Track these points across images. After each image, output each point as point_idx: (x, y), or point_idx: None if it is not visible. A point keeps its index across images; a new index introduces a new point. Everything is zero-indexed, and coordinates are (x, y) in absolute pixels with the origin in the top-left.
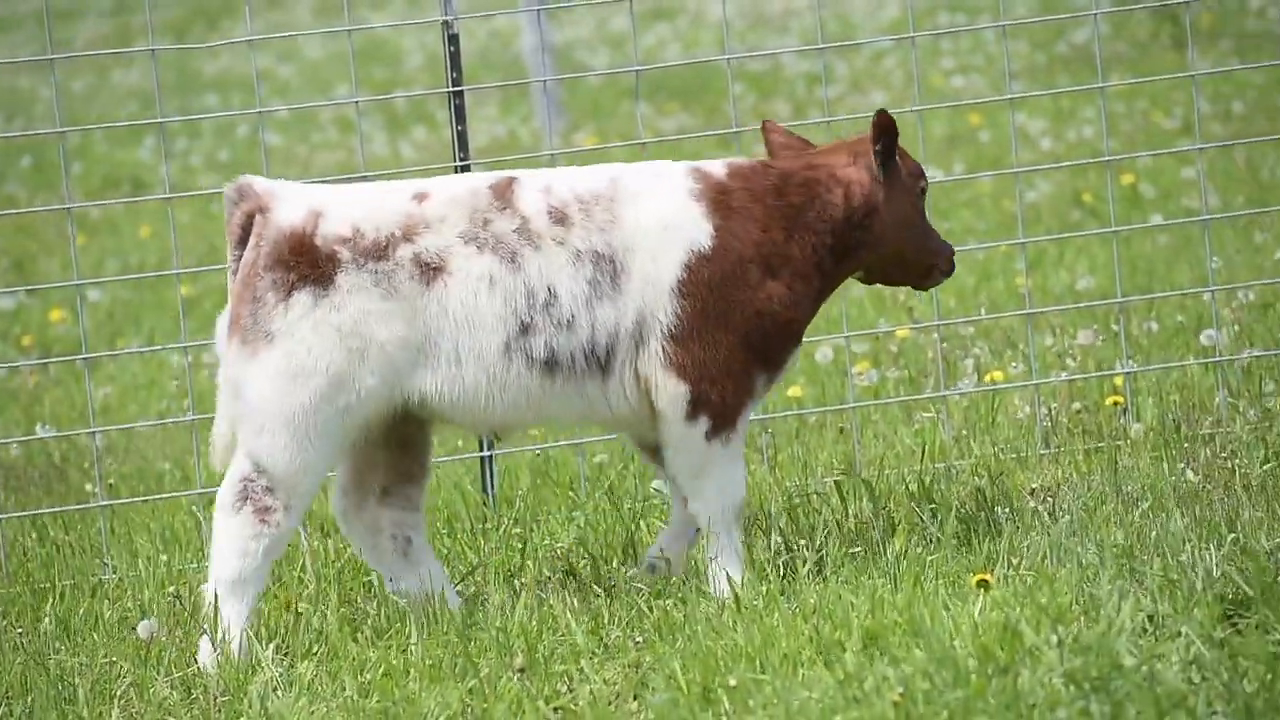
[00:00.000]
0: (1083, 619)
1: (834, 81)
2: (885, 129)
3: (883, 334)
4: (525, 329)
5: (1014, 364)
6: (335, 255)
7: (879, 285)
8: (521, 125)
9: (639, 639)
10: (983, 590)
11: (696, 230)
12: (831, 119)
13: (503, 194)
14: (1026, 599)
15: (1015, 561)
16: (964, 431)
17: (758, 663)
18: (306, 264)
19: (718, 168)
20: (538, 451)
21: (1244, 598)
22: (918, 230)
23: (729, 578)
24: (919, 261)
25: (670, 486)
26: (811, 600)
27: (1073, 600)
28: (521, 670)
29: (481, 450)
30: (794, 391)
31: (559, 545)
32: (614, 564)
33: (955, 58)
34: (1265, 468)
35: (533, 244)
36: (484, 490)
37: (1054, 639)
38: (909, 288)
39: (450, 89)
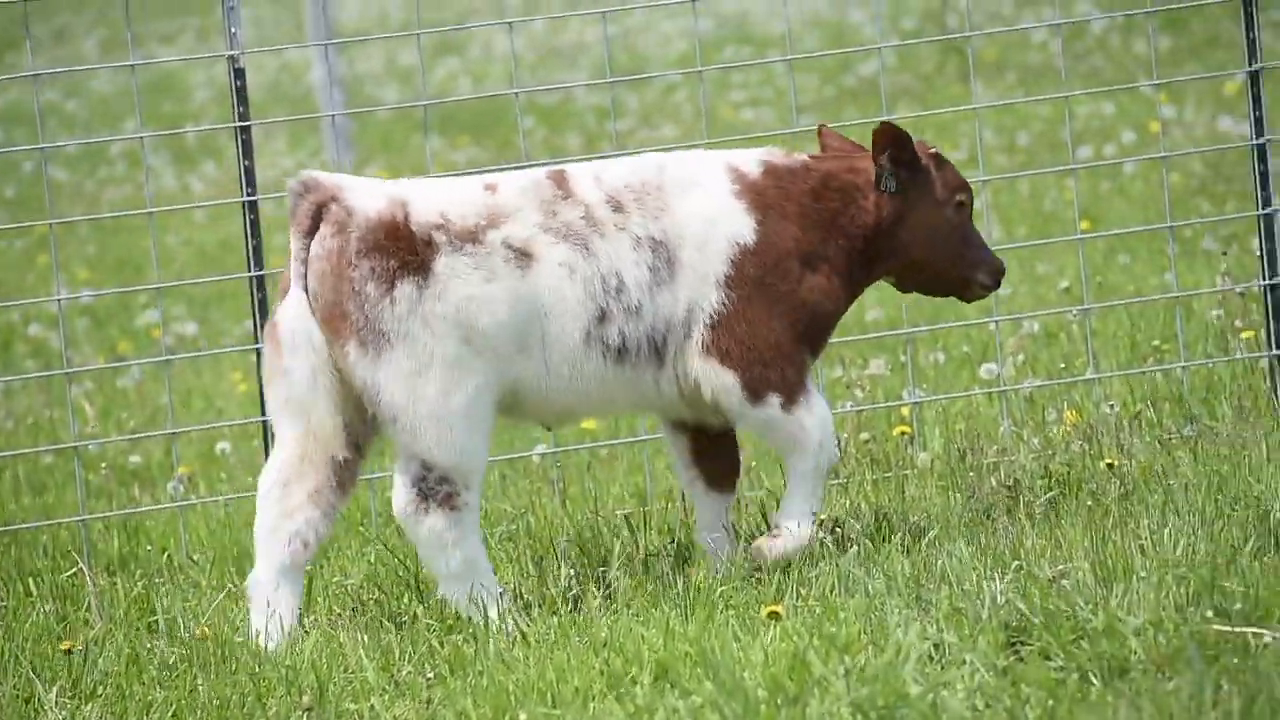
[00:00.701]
0: (870, 648)
1: (624, 115)
2: (888, 141)
3: None
4: (602, 317)
5: None
6: (432, 240)
7: (920, 295)
8: (311, 159)
9: (430, 675)
10: (773, 621)
11: (740, 226)
12: (622, 152)
13: (562, 183)
14: (815, 629)
15: (804, 592)
16: (753, 462)
17: (549, 697)
18: (406, 250)
19: (750, 165)
20: None
21: (1027, 625)
22: (950, 243)
23: (804, 525)
24: (953, 274)
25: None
26: (603, 633)
27: (860, 630)
28: (310, 709)
29: None
30: (587, 425)
31: (350, 581)
32: (405, 600)
33: (745, 91)
34: (1047, 495)
35: (599, 231)
36: None
37: (841, 669)
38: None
39: (237, 123)
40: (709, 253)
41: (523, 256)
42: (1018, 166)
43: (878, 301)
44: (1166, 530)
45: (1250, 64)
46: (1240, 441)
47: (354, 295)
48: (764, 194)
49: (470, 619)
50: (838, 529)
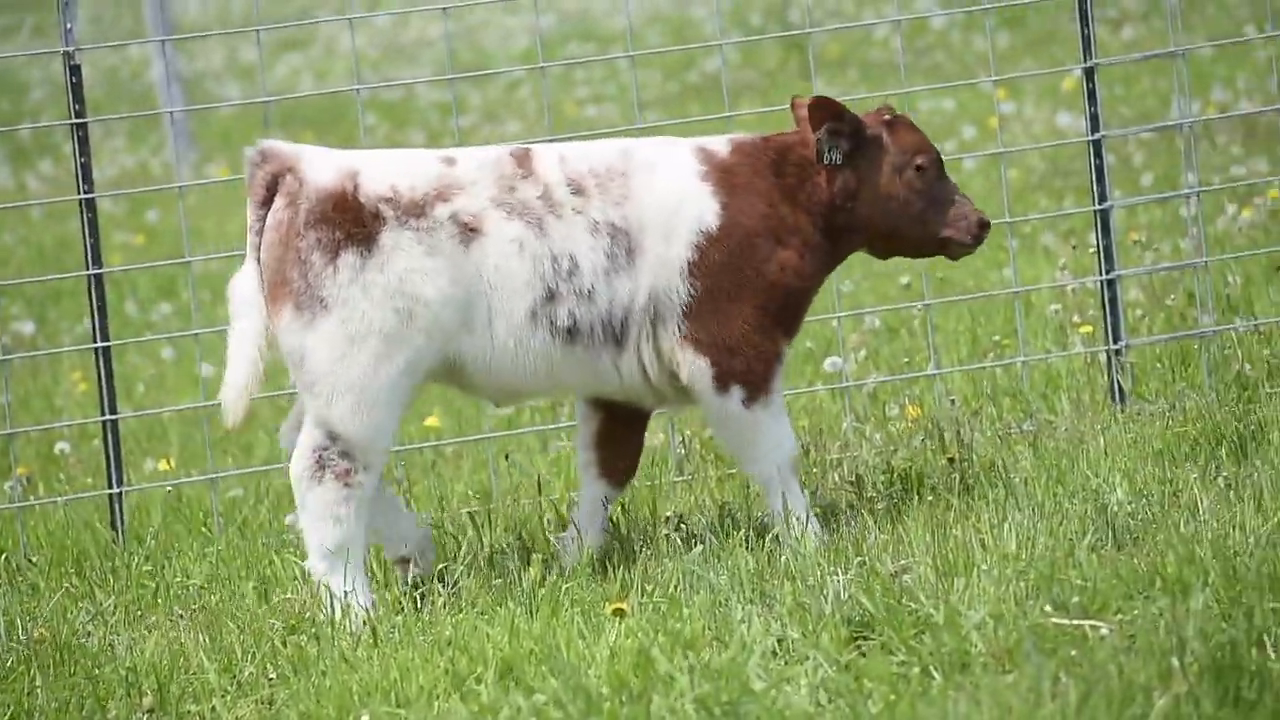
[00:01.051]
0: (714, 645)
1: (467, 111)
2: (824, 116)
3: None
4: (551, 296)
5: None
6: (379, 213)
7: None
8: (152, 156)
9: (272, 675)
10: (618, 618)
11: (704, 210)
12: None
13: (524, 162)
14: (660, 626)
15: (650, 589)
16: None
17: (393, 696)
18: (351, 222)
19: (719, 145)
20: (169, 488)
21: (870, 620)
22: (914, 208)
23: (803, 526)
24: (926, 236)
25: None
26: (447, 632)
27: (705, 626)
28: (151, 711)
29: (111, 488)
30: (430, 422)
31: (191, 582)
32: (247, 601)
33: (589, 87)
34: (889, 491)
35: (555, 213)
36: (113, 528)
37: (686, 665)
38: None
39: (73, 120)
40: (673, 240)
41: (470, 231)
42: None
43: None
44: (1006, 524)
45: (1086, 60)
46: (1078, 435)
47: (298, 264)
48: (732, 172)
49: (324, 602)
50: (683, 525)
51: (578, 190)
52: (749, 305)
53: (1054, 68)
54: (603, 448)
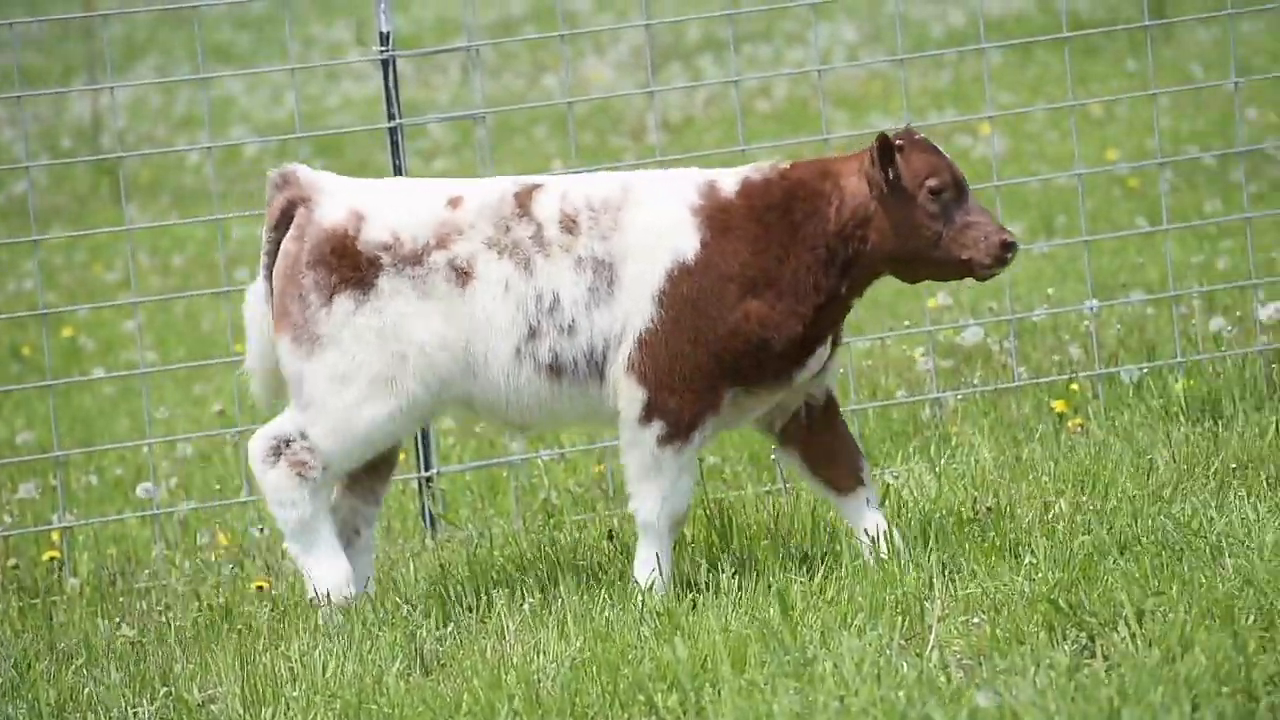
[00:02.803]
0: None
1: None
2: (889, 154)
3: None
4: (533, 333)
5: None
6: (377, 260)
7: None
8: None
9: None
10: None
11: (684, 243)
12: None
13: (524, 201)
14: None
15: None
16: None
17: None
18: (348, 267)
19: (729, 183)
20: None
21: None
22: (930, 232)
23: (655, 582)
24: (947, 259)
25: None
26: None
27: None
28: None
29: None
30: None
31: None
32: None
33: None
34: (198, 618)
35: (543, 251)
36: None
37: None
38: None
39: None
40: (651, 267)
41: (463, 275)
42: (173, 288)
43: (28, 424)
44: (317, 651)
45: None
46: (390, 562)
47: (298, 299)
48: (725, 212)
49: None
50: None
51: (569, 228)
52: (703, 349)
53: None
54: (818, 471)
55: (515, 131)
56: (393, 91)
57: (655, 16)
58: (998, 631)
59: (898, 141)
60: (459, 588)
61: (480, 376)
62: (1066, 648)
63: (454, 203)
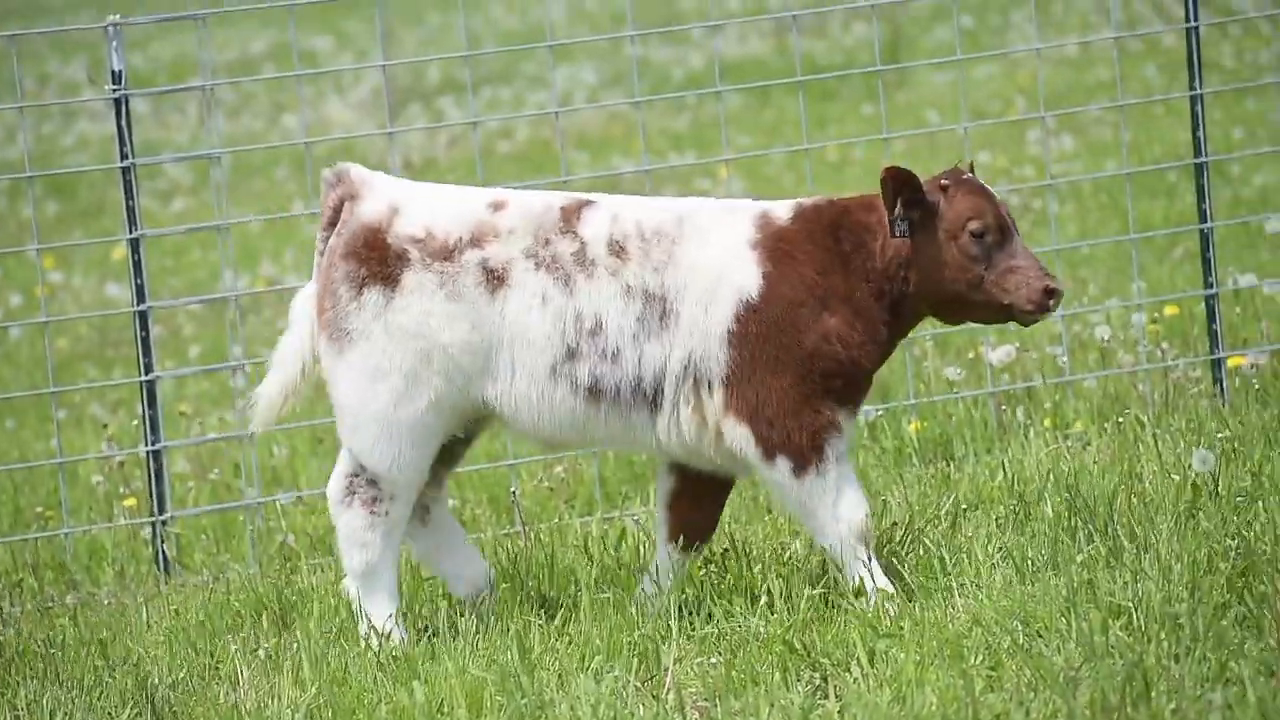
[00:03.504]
0: None
1: None
2: (898, 186)
3: None
4: (571, 354)
5: None
6: (405, 254)
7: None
8: None
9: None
10: None
11: (746, 280)
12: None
13: (570, 216)
14: None
15: None
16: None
17: None
18: (377, 260)
19: (783, 211)
20: None
21: None
22: (971, 274)
23: (880, 595)
24: (988, 303)
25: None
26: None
27: None
28: None
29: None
30: None
31: None
32: None
33: None
34: None
35: (585, 270)
36: None
37: None
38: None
39: None
40: (714, 308)
41: (495, 279)
42: None
43: None
44: (46, 698)
45: (131, 231)
46: (121, 608)
47: (331, 294)
48: (784, 239)
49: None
50: None
51: (618, 251)
52: (788, 376)
53: (103, 237)
54: (675, 507)
55: (255, 172)
56: (125, 131)
57: (394, 57)
58: (734, 673)
59: (943, 182)
60: (193, 633)
61: (501, 383)
62: (800, 688)
63: (497, 206)
